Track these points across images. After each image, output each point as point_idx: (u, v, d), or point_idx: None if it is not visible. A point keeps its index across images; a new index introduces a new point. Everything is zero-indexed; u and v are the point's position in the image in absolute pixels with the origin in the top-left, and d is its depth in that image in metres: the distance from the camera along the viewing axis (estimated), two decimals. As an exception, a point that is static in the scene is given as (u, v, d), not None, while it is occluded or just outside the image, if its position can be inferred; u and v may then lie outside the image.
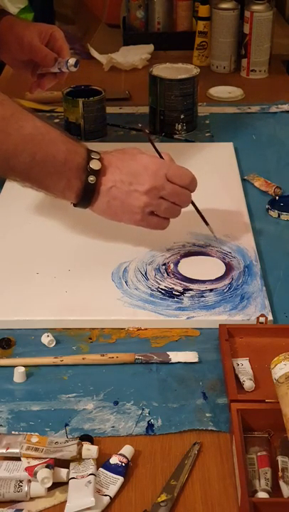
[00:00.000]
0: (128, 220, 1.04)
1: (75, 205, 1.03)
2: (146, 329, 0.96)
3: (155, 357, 0.91)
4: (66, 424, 0.82)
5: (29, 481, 0.74)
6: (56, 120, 1.58)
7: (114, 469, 0.76)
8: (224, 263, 1.08)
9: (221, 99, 1.72)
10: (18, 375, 0.88)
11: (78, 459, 0.76)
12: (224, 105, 1.69)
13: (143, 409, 0.84)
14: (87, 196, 1.00)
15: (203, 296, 1.01)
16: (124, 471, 0.76)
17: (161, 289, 1.02)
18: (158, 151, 1.06)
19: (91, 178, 0.99)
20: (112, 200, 1.01)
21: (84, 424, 0.82)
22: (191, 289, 1.02)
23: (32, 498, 0.73)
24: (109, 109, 1.55)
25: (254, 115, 1.64)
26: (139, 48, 1.95)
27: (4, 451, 0.76)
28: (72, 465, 0.75)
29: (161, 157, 1.06)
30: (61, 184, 0.99)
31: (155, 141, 1.50)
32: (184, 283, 1.04)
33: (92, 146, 1.46)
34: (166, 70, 1.51)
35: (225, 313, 0.98)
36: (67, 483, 0.74)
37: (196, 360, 0.91)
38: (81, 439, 0.78)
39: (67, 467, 0.75)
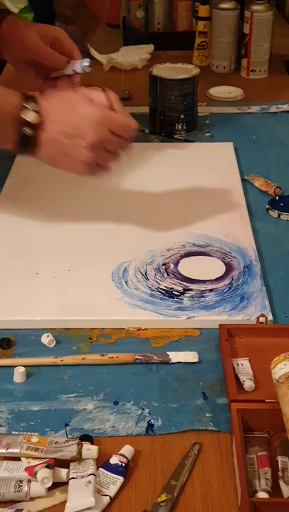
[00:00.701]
0: (74, 172, 1.03)
1: (18, 153, 1.01)
2: (146, 329, 0.96)
3: (155, 357, 0.91)
4: (66, 424, 0.82)
5: (29, 481, 0.74)
6: (56, 120, 1.58)
7: (114, 469, 0.76)
8: (224, 263, 1.08)
9: (221, 99, 1.72)
10: (18, 375, 0.88)
11: (78, 459, 0.76)
12: (224, 105, 1.69)
13: (143, 409, 0.84)
14: (26, 147, 0.98)
15: (203, 296, 1.01)
16: (124, 471, 0.76)
17: (161, 289, 1.02)
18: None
19: (27, 130, 0.96)
20: (55, 153, 0.99)
21: (84, 424, 0.82)
22: (191, 289, 1.02)
23: (32, 498, 0.73)
24: (110, 109, 1.55)
25: (254, 115, 1.64)
26: (139, 48, 1.95)
27: (4, 451, 0.76)
28: (72, 465, 0.75)
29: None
30: None
31: (155, 141, 1.51)
32: (184, 283, 1.04)
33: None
34: (166, 70, 1.51)
35: (225, 313, 0.98)
36: (67, 483, 0.74)
37: (196, 360, 0.91)
38: (81, 439, 0.78)
39: (67, 467, 0.75)
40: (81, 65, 1.20)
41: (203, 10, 1.88)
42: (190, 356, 0.91)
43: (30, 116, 0.96)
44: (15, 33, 1.21)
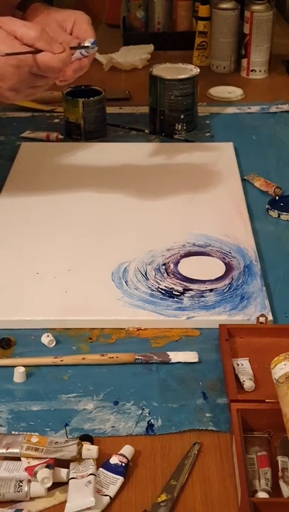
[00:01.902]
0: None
1: None
2: (146, 329, 0.96)
3: (155, 357, 0.91)
4: (66, 424, 0.82)
5: (29, 481, 0.74)
6: (56, 120, 1.58)
7: (114, 469, 0.76)
8: (224, 263, 1.08)
9: (221, 99, 1.72)
10: (18, 375, 0.88)
11: (78, 459, 0.76)
12: (224, 105, 1.69)
13: (143, 409, 0.84)
14: None
15: (203, 296, 1.01)
16: (124, 471, 0.76)
17: (161, 289, 1.02)
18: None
19: None
20: None
21: (84, 424, 0.82)
22: (191, 289, 1.02)
23: (32, 498, 0.73)
24: (109, 109, 1.55)
25: (254, 115, 1.64)
26: (139, 48, 1.95)
27: (4, 451, 0.76)
28: (72, 465, 0.75)
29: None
30: None
31: (155, 141, 1.51)
32: (184, 283, 1.04)
33: (93, 146, 1.47)
34: (166, 70, 1.51)
35: (225, 313, 0.98)
36: (67, 483, 0.74)
37: (196, 360, 0.91)
38: (81, 439, 0.78)
39: (67, 467, 0.75)
40: (84, 48, 1.14)
41: (203, 10, 1.88)
42: (190, 356, 0.91)
43: None
44: (35, 21, 1.19)
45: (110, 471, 0.75)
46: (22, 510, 0.72)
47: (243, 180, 1.33)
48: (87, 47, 1.10)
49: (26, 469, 0.74)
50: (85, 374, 0.90)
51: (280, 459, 0.76)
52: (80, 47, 1.09)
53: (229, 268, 1.07)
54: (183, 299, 1.00)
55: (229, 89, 1.76)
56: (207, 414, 0.83)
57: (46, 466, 0.74)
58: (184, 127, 1.52)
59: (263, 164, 1.40)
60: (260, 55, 1.83)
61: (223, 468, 0.77)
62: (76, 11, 1.20)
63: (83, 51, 1.10)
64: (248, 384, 0.86)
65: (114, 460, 0.76)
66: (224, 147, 1.45)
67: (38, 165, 1.37)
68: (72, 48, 1.07)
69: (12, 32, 0.98)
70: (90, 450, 0.76)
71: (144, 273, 1.05)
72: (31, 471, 0.74)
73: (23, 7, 1.21)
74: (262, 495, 0.73)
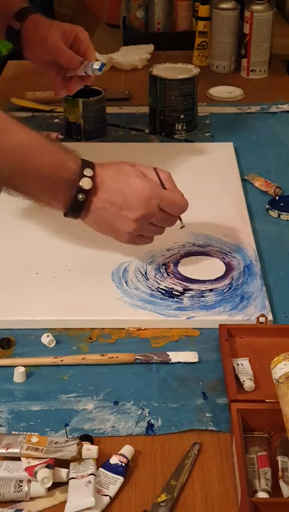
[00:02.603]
0: (116, 238, 1.03)
1: (65, 214, 1.01)
2: (146, 329, 0.96)
3: (155, 357, 0.91)
4: (66, 424, 0.82)
5: (29, 481, 0.74)
6: (56, 120, 1.58)
7: (114, 469, 0.75)
8: (224, 263, 1.08)
9: (221, 99, 1.72)
10: (18, 375, 0.88)
11: (78, 459, 0.76)
12: (224, 105, 1.69)
13: (143, 409, 0.84)
14: (75, 211, 0.99)
15: (203, 296, 1.01)
16: (124, 471, 0.76)
17: (161, 289, 1.02)
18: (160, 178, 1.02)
19: (80, 196, 0.97)
20: (100, 220, 1.00)
21: (84, 424, 0.82)
22: (191, 289, 1.02)
23: (32, 498, 0.73)
24: (109, 109, 1.55)
25: (254, 115, 1.64)
26: (139, 48, 1.95)
27: (4, 451, 0.76)
28: (72, 465, 0.75)
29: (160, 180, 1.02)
30: (46, 197, 0.98)
31: (155, 141, 1.51)
32: (184, 283, 1.04)
33: (93, 146, 1.47)
34: (166, 70, 1.51)
35: (225, 313, 0.98)
36: (67, 483, 0.74)
37: (196, 360, 0.91)
38: (81, 439, 0.78)
39: (67, 467, 0.75)
40: (92, 67, 1.19)
41: (203, 10, 1.88)
42: (190, 356, 0.91)
43: (85, 183, 0.97)
44: (38, 32, 1.20)
45: (110, 471, 0.75)
46: (22, 510, 0.72)
47: (243, 180, 1.33)
48: (97, 69, 1.19)
49: (26, 469, 0.74)
50: (85, 374, 0.90)
51: (280, 459, 0.76)
52: (90, 67, 1.19)
53: (229, 268, 1.07)
54: (183, 299, 1.00)
55: (229, 89, 1.76)
56: (207, 414, 0.83)
57: (46, 466, 0.74)
58: (184, 127, 1.52)
59: (263, 164, 1.40)
60: (260, 55, 1.83)
61: (223, 468, 0.77)
62: (77, 26, 1.25)
63: (89, 70, 1.17)
64: (248, 384, 0.86)
65: (114, 460, 0.76)
66: (224, 147, 1.45)
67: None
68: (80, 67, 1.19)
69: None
70: (90, 450, 0.77)
71: (144, 273, 1.06)
72: (31, 471, 0.74)
73: (20, 17, 1.21)
74: (262, 495, 0.73)
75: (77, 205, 0.98)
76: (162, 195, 1.00)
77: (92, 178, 0.97)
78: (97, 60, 1.21)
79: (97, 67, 1.19)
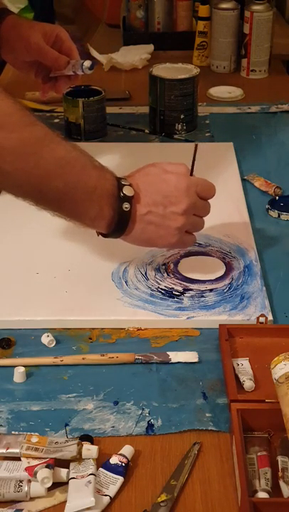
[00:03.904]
0: (163, 244, 1.01)
1: (104, 235, 0.98)
2: (146, 329, 0.96)
3: (155, 357, 0.91)
4: (66, 424, 0.82)
5: (29, 481, 0.74)
6: (56, 120, 1.58)
7: (114, 469, 0.75)
8: (224, 263, 1.08)
9: (221, 99, 1.72)
10: (18, 375, 0.88)
11: (78, 459, 0.76)
12: (224, 105, 1.69)
13: (143, 409, 0.84)
14: (121, 225, 0.96)
15: (203, 296, 1.01)
16: (124, 471, 0.76)
17: (161, 289, 1.02)
18: (192, 167, 1.03)
19: (126, 205, 0.94)
20: (147, 226, 0.97)
21: (84, 424, 0.82)
22: (191, 289, 1.02)
23: (32, 498, 0.73)
24: (109, 109, 1.55)
25: (254, 115, 1.64)
26: (139, 48, 1.95)
27: (4, 451, 0.76)
28: (72, 465, 0.75)
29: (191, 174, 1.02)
30: (93, 212, 0.93)
31: (155, 141, 1.51)
32: (184, 283, 1.04)
33: (92, 146, 1.47)
34: (166, 70, 1.51)
35: (225, 313, 0.98)
36: (67, 483, 0.74)
37: (196, 360, 0.91)
38: (81, 439, 0.78)
39: (67, 467, 0.75)
40: (82, 66, 1.19)
41: (203, 10, 1.89)
42: (190, 356, 0.91)
43: (128, 191, 0.94)
44: (18, 33, 1.19)
45: (110, 471, 0.75)
46: (22, 510, 0.72)
47: (243, 180, 1.33)
48: (88, 68, 1.18)
49: (26, 469, 0.74)
50: (85, 374, 0.90)
51: (280, 459, 0.76)
52: (81, 66, 1.19)
53: (229, 268, 1.07)
54: (183, 299, 1.00)
55: (229, 89, 1.76)
56: (207, 414, 0.83)
57: (46, 466, 0.74)
58: (184, 127, 1.52)
59: (263, 164, 1.40)
60: (260, 55, 1.83)
61: (223, 468, 0.77)
62: (57, 25, 1.26)
63: (79, 70, 1.19)
64: (248, 384, 0.86)
65: (114, 460, 0.76)
66: (224, 147, 1.45)
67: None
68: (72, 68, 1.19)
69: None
70: (90, 450, 0.77)
71: (144, 273, 1.06)
72: (31, 471, 0.74)
73: None
74: (262, 495, 0.73)
75: (123, 217, 0.95)
76: (196, 182, 1.00)
77: (130, 185, 0.96)
78: (82, 60, 1.20)
79: (88, 65, 1.18)
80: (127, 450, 0.78)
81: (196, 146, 1.05)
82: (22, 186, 0.91)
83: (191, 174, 1.02)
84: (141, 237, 0.99)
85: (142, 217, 0.96)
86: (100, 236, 1.00)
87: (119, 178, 0.96)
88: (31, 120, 0.90)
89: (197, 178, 1.01)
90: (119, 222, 0.95)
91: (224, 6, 1.84)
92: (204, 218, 1.03)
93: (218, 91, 1.75)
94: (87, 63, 1.19)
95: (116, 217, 0.95)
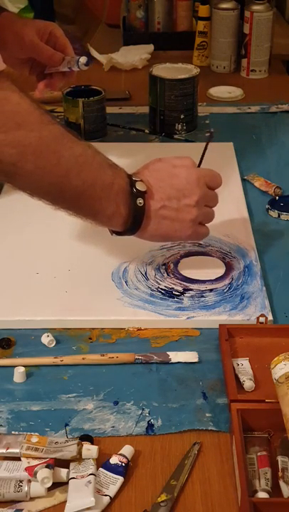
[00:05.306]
0: (178, 237, 1.02)
1: (119, 233, 0.99)
2: (146, 329, 0.96)
3: (155, 357, 0.91)
4: (66, 424, 0.82)
5: (29, 481, 0.74)
6: (56, 120, 1.58)
7: (114, 469, 0.75)
8: (224, 263, 1.08)
9: (221, 99, 1.72)
10: (18, 375, 0.88)
11: (78, 459, 0.76)
12: (224, 105, 1.69)
13: (143, 409, 0.84)
14: (136, 221, 0.96)
15: (203, 296, 1.01)
16: (124, 471, 0.76)
17: (161, 289, 1.02)
18: (201, 160, 1.05)
19: (139, 201, 0.95)
20: (162, 221, 0.98)
21: (84, 424, 0.82)
22: (191, 289, 1.02)
23: (32, 498, 0.73)
24: (109, 109, 1.55)
25: (254, 115, 1.64)
26: (139, 48, 1.95)
27: (4, 451, 0.76)
28: (72, 465, 0.75)
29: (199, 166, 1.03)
30: (110, 209, 0.94)
31: (155, 141, 1.51)
32: (184, 283, 1.04)
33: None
34: (166, 70, 1.52)
35: (225, 313, 0.98)
36: (67, 483, 0.74)
37: (196, 360, 0.91)
38: (81, 439, 0.78)
39: (67, 467, 0.75)
40: (78, 62, 1.19)
41: (203, 10, 1.89)
42: (190, 356, 0.91)
43: (141, 186, 0.95)
44: (12, 30, 1.19)
45: (110, 471, 0.75)
46: (22, 510, 0.72)
47: (243, 180, 1.33)
48: (84, 64, 1.17)
49: (26, 469, 0.74)
50: (85, 374, 0.90)
51: (280, 459, 0.76)
52: (77, 62, 1.18)
53: (229, 268, 1.07)
54: (183, 299, 1.00)
55: (229, 89, 1.76)
56: (207, 414, 0.83)
57: (46, 466, 0.74)
58: (184, 127, 1.52)
59: (263, 164, 1.40)
60: (260, 55, 1.83)
61: (223, 468, 0.77)
62: (50, 22, 1.25)
63: (74, 66, 1.18)
64: (248, 384, 0.86)
65: (114, 460, 0.76)
66: (224, 147, 1.45)
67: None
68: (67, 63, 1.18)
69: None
70: (90, 450, 0.77)
71: (144, 273, 1.06)
72: (31, 471, 0.74)
73: None
74: (262, 495, 0.73)
75: (138, 213, 0.95)
76: (204, 173, 1.01)
77: (142, 181, 0.96)
78: (78, 56, 1.20)
79: (84, 61, 1.18)
80: (127, 450, 0.78)
81: (212, 133, 1.06)
82: (42, 186, 0.91)
83: (200, 165, 1.04)
84: (156, 233, 0.99)
85: (157, 212, 0.97)
86: (113, 235, 1.00)
87: (130, 175, 0.97)
88: (49, 119, 0.90)
89: (204, 169, 1.03)
90: (134, 218, 0.96)
91: (224, 6, 1.84)
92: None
93: (218, 91, 1.75)
94: (83, 59, 1.18)
95: (131, 213, 0.95)
